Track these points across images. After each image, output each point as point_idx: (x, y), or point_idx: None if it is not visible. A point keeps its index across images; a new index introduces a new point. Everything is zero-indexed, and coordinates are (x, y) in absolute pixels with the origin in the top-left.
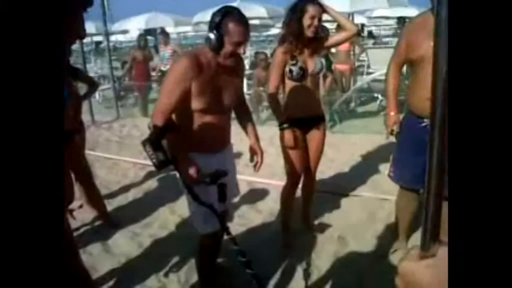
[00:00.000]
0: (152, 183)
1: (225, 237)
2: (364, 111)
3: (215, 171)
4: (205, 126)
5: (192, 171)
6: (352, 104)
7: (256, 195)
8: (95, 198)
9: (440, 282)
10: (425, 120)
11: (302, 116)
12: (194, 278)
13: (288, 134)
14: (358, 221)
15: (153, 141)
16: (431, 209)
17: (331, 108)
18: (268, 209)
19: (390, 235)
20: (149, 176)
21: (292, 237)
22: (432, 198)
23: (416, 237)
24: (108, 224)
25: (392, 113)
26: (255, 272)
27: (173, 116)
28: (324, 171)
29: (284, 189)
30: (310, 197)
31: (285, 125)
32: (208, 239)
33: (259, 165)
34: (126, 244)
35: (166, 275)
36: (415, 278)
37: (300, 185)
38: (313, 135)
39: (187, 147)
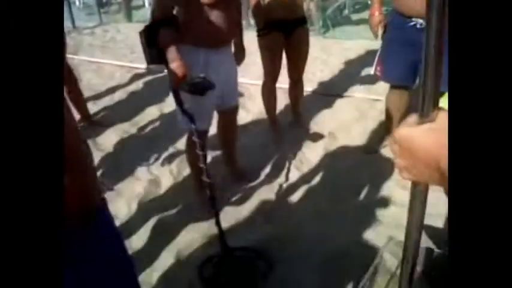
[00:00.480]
0: (139, 85)
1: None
2: (358, 19)
3: (203, 79)
4: (209, 18)
5: (179, 69)
6: (346, 11)
7: (246, 96)
8: (77, 100)
9: (440, 145)
10: (413, 19)
11: (283, 19)
12: (187, 170)
13: (265, 40)
14: (349, 119)
15: (149, 33)
16: (430, 74)
17: (324, 14)
18: (258, 108)
19: (382, 132)
20: (136, 78)
21: (282, 133)
22: (432, 55)
23: None
24: (93, 124)
25: (376, 14)
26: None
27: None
28: (317, 73)
29: (263, 87)
30: (298, 99)
31: (262, 32)
32: (196, 138)
33: (240, 61)
34: (115, 141)
35: (157, 167)
36: (413, 143)
37: (288, 88)
38: (296, 37)
39: (188, 40)
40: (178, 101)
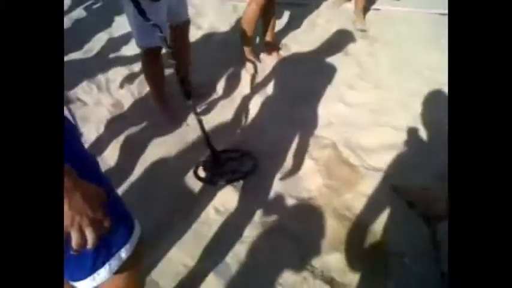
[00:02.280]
0: (81, 12)
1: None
2: None
3: None
4: None
5: None
6: None
7: (195, 12)
8: None
9: None
10: None
11: None
12: (146, 89)
13: None
14: (297, 28)
15: None
16: None
17: None
18: (208, 24)
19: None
20: (75, 5)
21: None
22: None
23: None
24: None
25: None
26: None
27: None
28: None
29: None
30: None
31: None
32: (150, 53)
33: None
34: (71, 73)
35: (116, 89)
36: None
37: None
38: None
39: None
40: (141, 11)
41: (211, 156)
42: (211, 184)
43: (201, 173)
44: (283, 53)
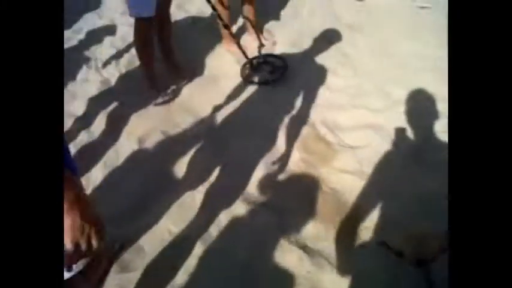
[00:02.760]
0: None
1: None
2: None
3: None
4: None
5: None
6: None
7: None
8: None
9: None
10: None
11: None
12: (135, 64)
13: None
14: (281, 16)
15: None
16: None
17: None
18: (196, 10)
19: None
20: None
21: None
22: None
23: None
24: None
25: None
26: None
27: None
28: None
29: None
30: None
31: None
32: (143, 23)
33: None
34: None
35: (104, 67)
36: None
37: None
38: None
39: None
40: None
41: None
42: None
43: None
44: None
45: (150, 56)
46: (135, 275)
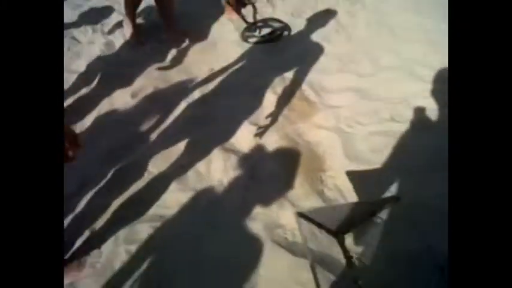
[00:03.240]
0: None
1: None
2: None
3: None
4: None
5: None
6: None
7: None
8: None
9: None
10: None
11: None
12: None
13: None
14: None
15: None
16: None
17: None
18: None
19: None
20: None
21: None
22: None
23: None
24: None
25: None
26: None
27: None
28: None
29: None
30: None
31: None
32: None
33: None
34: (69, 12)
35: (110, 33)
36: None
37: None
38: None
39: None
40: None
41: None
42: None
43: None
44: (268, 9)
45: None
46: (114, 206)
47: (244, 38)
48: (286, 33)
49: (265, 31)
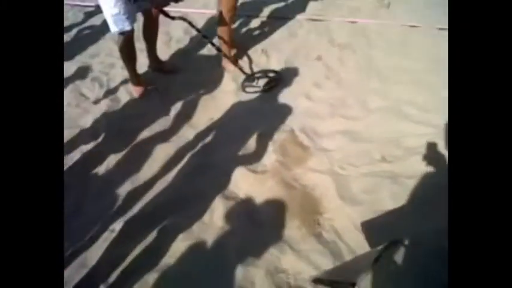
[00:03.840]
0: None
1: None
2: None
3: None
4: None
5: None
6: None
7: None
8: None
9: None
10: None
11: None
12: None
13: None
14: (279, 38)
15: None
16: None
17: None
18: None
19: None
20: (88, 16)
21: None
22: None
23: None
24: None
25: None
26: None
27: None
28: None
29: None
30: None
31: None
32: (125, 37)
33: None
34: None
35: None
36: None
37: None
38: None
39: None
40: None
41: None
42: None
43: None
44: (263, 59)
45: (133, 62)
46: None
47: (243, 89)
48: (280, 82)
49: (263, 81)
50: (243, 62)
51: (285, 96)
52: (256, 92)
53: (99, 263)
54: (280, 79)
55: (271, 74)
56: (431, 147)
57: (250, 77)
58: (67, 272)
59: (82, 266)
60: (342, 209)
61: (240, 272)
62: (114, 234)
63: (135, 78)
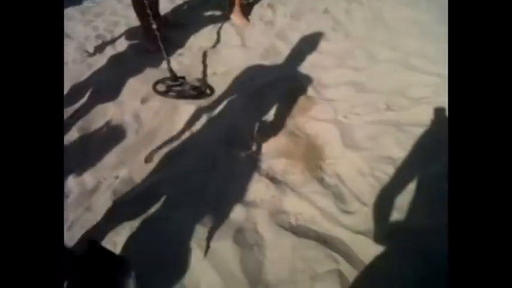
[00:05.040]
0: None
1: None
2: None
3: None
4: None
5: None
6: None
7: None
8: None
9: None
10: None
11: None
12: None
13: None
14: None
15: None
16: None
17: None
18: None
19: None
20: None
21: None
22: None
23: None
24: None
25: None
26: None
27: None
28: None
29: None
30: None
31: None
32: None
33: None
34: (82, 29)
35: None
36: None
37: None
38: None
39: None
40: None
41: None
42: (164, 95)
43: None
44: (268, 12)
45: (145, 16)
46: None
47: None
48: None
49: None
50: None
51: (292, 50)
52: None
53: (102, 207)
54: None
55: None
56: (438, 96)
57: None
58: (73, 215)
59: (87, 209)
60: (345, 155)
61: (242, 213)
62: (118, 181)
63: (150, 32)
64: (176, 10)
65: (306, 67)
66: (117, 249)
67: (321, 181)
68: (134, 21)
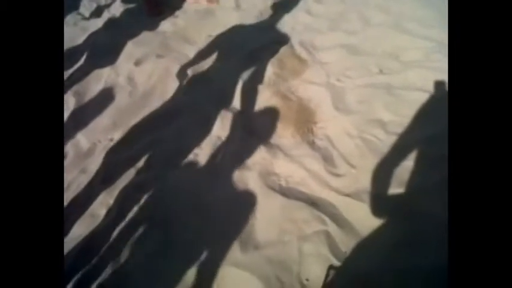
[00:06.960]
0: None
1: None
2: None
3: None
4: None
5: None
6: None
7: None
8: None
9: None
10: None
11: None
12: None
13: None
14: None
15: None
16: None
17: None
18: None
19: None
20: None
21: None
22: None
23: None
24: None
25: None
26: None
27: None
28: None
29: None
30: None
31: None
32: None
33: None
34: None
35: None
36: None
37: None
38: None
39: None
40: None
41: None
42: None
43: None
44: None
45: None
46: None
47: None
48: None
49: None
50: None
51: (285, 12)
52: None
53: (98, 169)
54: None
55: None
56: (430, 59)
57: None
58: (69, 177)
59: (82, 171)
60: (335, 118)
61: (234, 174)
62: (112, 143)
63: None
64: None
65: (300, 30)
66: (112, 210)
67: (311, 144)
68: None
